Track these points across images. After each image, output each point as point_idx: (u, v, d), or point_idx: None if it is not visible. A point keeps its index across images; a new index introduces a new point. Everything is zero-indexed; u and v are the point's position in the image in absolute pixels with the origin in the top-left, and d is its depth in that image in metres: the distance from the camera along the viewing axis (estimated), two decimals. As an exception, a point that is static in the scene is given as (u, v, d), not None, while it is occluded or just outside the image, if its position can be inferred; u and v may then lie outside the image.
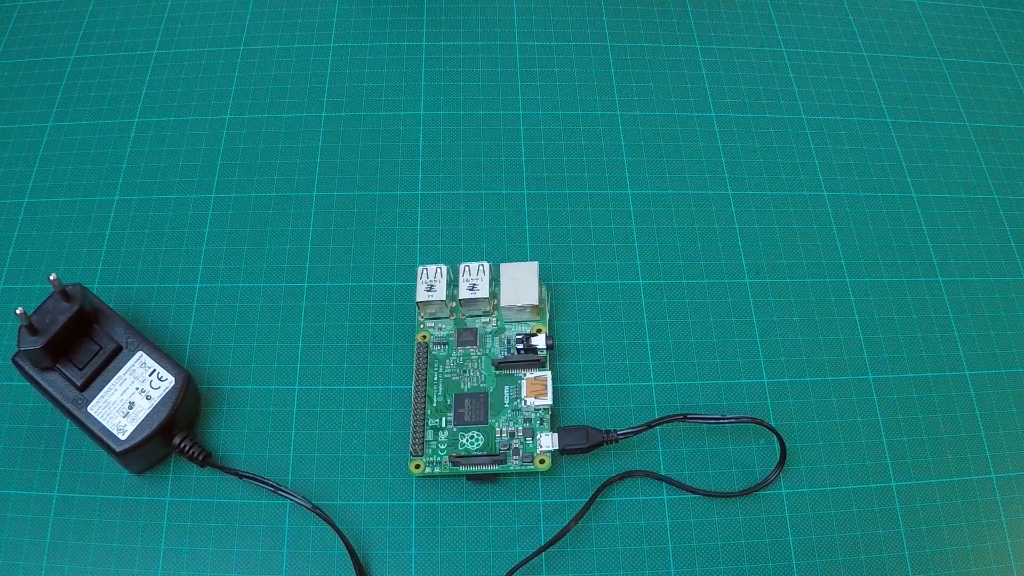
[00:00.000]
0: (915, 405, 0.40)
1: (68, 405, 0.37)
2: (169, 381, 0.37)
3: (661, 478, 0.38)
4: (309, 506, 0.37)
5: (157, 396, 0.37)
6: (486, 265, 0.40)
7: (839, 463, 0.39)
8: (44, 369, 0.37)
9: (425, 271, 0.40)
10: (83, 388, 0.37)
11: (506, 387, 0.39)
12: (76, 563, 0.37)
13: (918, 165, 0.47)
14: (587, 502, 0.37)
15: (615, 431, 0.37)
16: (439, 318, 0.41)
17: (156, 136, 0.47)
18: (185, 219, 0.45)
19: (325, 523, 0.37)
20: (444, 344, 0.40)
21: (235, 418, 0.40)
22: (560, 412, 0.40)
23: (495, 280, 0.41)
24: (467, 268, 0.40)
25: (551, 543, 0.36)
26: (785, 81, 0.50)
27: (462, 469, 0.37)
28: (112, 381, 0.37)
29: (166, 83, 0.49)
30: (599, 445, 0.37)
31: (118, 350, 0.38)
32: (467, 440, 0.38)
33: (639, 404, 0.40)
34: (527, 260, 0.43)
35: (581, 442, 0.37)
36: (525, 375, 0.39)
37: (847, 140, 0.48)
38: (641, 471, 0.38)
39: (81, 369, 0.37)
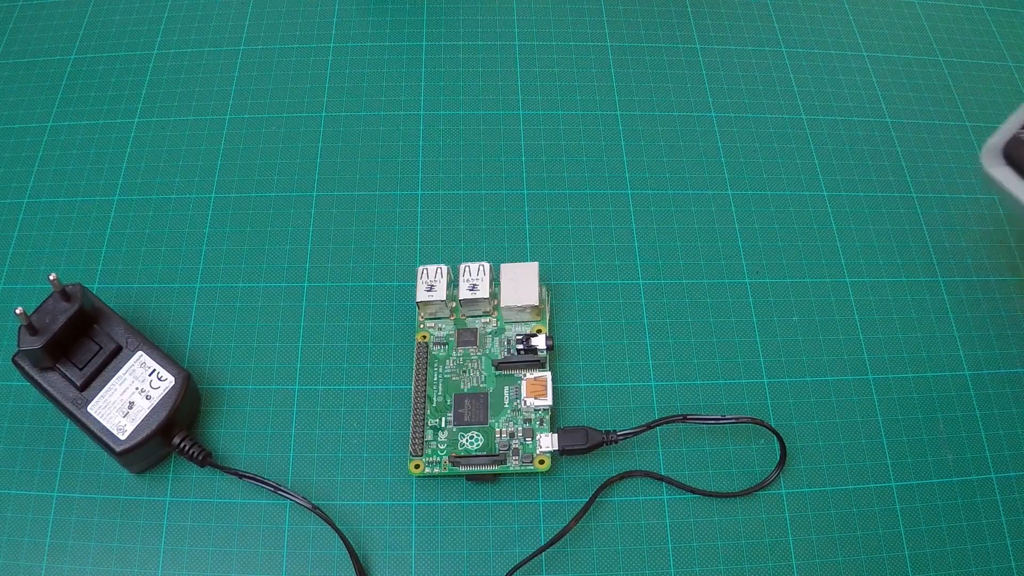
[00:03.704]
0: (915, 405, 0.40)
1: (68, 405, 0.37)
2: (169, 381, 0.37)
3: (661, 478, 0.38)
4: (309, 506, 0.37)
5: (157, 396, 0.37)
6: (486, 265, 0.40)
7: (839, 463, 0.39)
8: (44, 369, 0.37)
9: (425, 271, 0.40)
10: (83, 388, 0.37)
11: (506, 387, 0.39)
12: (76, 563, 0.37)
13: (918, 165, 0.47)
14: (587, 502, 0.37)
15: (615, 432, 0.37)
16: (439, 318, 0.41)
17: (156, 136, 0.47)
18: (185, 219, 0.45)
19: (325, 523, 0.37)
20: (444, 344, 0.40)
21: (235, 418, 0.40)
22: (560, 412, 0.40)
23: (495, 280, 0.41)
24: (467, 268, 0.40)
25: (551, 543, 0.36)
26: (785, 81, 0.50)
27: (462, 469, 0.37)
28: (112, 381, 0.37)
29: (166, 83, 0.49)
30: (599, 446, 0.37)
31: (118, 350, 0.38)
32: (467, 440, 0.38)
33: (639, 404, 0.40)
34: (527, 260, 0.43)
35: (581, 443, 0.37)
36: (525, 375, 0.39)
37: (847, 140, 0.48)
38: (641, 471, 0.38)
39: (81, 369, 0.37)
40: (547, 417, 0.38)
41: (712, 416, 0.38)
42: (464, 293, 0.40)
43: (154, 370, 0.38)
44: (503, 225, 0.44)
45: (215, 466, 0.37)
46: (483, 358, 0.40)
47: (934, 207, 0.46)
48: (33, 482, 0.38)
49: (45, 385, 0.37)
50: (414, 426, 0.38)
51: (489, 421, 0.38)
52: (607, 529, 0.37)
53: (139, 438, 0.36)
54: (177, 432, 0.37)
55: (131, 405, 0.37)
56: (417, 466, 0.37)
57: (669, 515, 0.37)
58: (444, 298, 0.40)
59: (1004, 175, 0.37)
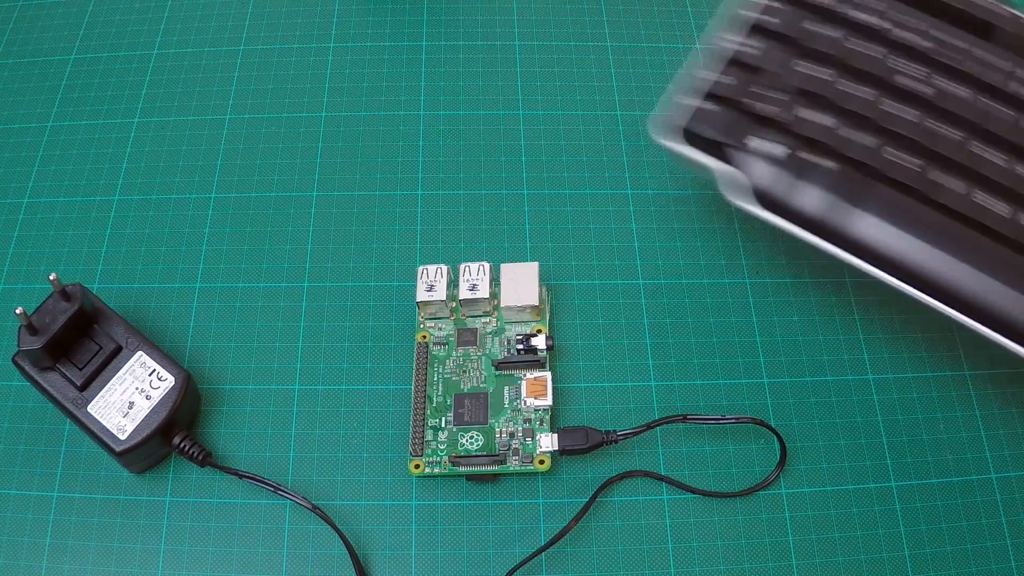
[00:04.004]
0: (915, 405, 0.40)
1: (68, 405, 0.37)
2: (169, 381, 0.37)
3: (661, 478, 0.38)
4: (309, 506, 0.37)
5: (157, 396, 0.37)
6: (486, 265, 0.40)
7: (839, 463, 0.39)
8: (44, 369, 0.37)
9: (425, 271, 0.40)
10: (83, 388, 0.37)
11: (506, 387, 0.39)
12: (76, 563, 0.37)
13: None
14: (587, 502, 0.37)
15: (615, 432, 0.37)
16: (439, 318, 0.41)
17: (156, 136, 0.47)
18: (185, 219, 0.45)
19: (325, 523, 0.37)
20: (444, 344, 0.40)
21: (235, 418, 0.40)
22: (560, 412, 0.40)
23: (495, 280, 0.41)
24: (467, 268, 0.40)
25: (551, 543, 0.36)
26: (785, 81, 0.50)
27: (462, 469, 0.37)
28: (112, 381, 0.37)
29: (166, 83, 0.49)
30: (599, 446, 0.37)
31: (118, 350, 0.38)
32: (467, 440, 0.38)
33: (639, 404, 0.40)
34: (527, 260, 0.43)
35: (581, 443, 0.37)
36: (525, 375, 0.39)
37: (847, 140, 0.48)
38: (641, 471, 0.38)
39: (81, 369, 0.37)
40: (547, 417, 0.38)
41: (712, 416, 0.38)
42: (464, 293, 0.40)
43: (154, 370, 0.38)
44: (503, 225, 0.44)
45: (215, 466, 0.37)
46: (483, 358, 0.40)
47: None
48: (33, 482, 0.38)
49: (45, 385, 0.37)
50: (414, 426, 0.38)
51: (489, 421, 0.38)
52: (607, 529, 0.37)
53: (139, 438, 0.36)
54: (177, 432, 0.37)
55: (131, 405, 0.37)
56: (417, 466, 0.37)
57: (669, 515, 0.37)
58: (444, 298, 0.40)
59: (688, 150, 0.37)
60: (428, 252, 0.44)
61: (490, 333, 0.40)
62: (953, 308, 0.34)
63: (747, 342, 0.41)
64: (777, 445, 0.38)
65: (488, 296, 0.40)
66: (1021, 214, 0.34)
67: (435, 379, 0.39)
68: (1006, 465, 0.39)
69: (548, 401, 0.38)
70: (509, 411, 0.38)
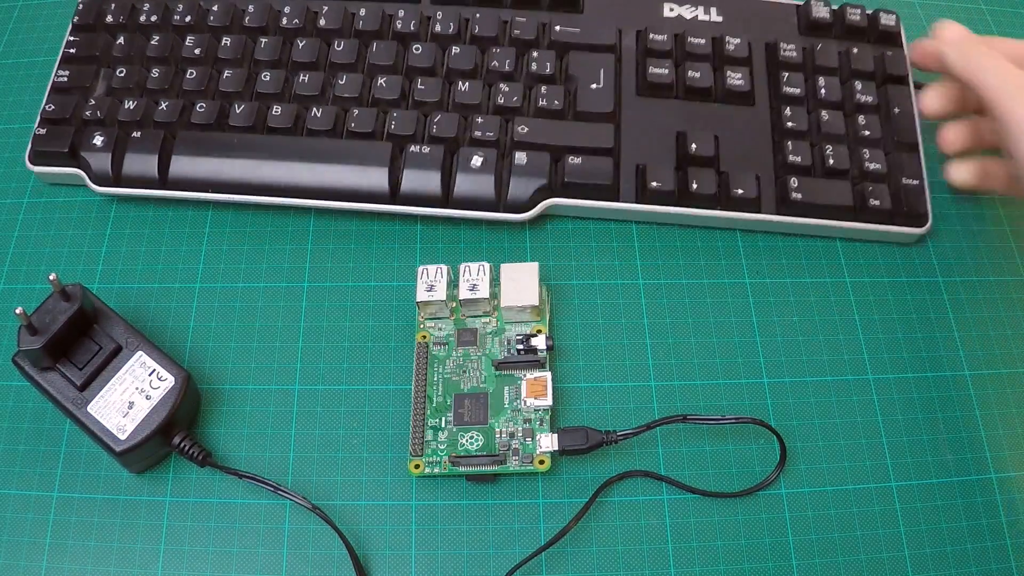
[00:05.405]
0: (915, 405, 0.40)
1: (68, 405, 0.37)
2: (169, 381, 0.37)
3: (661, 478, 0.38)
4: (309, 506, 0.37)
5: (157, 396, 0.37)
6: (486, 265, 0.40)
7: (839, 463, 0.39)
8: (44, 369, 0.37)
9: (425, 271, 0.40)
10: (83, 388, 0.37)
11: (506, 387, 0.39)
12: (76, 563, 0.37)
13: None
14: (587, 502, 0.37)
15: (615, 432, 0.37)
16: (439, 318, 0.41)
17: (156, 136, 0.47)
18: (185, 219, 0.45)
19: (325, 523, 0.37)
20: (444, 344, 0.40)
21: (235, 418, 0.40)
22: (560, 412, 0.40)
23: (495, 280, 0.41)
24: (467, 268, 0.40)
25: (551, 543, 0.36)
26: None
27: (462, 469, 0.37)
28: (112, 381, 0.37)
29: (166, 83, 0.49)
30: (599, 446, 0.37)
31: (118, 350, 0.38)
32: (467, 440, 0.38)
33: (639, 404, 0.40)
34: (527, 260, 0.43)
35: (581, 443, 0.37)
36: (525, 376, 0.39)
37: (847, 140, 0.48)
38: (641, 471, 0.38)
39: (81, 369, 0.37)
40: (547, 417, 0.38)
41: (712, 416, 0.38)
42: (464, 293, 0.40)
43: (154, 370, 0.38)
44: (503, 225, 0.44)
45: (215, 466, 0.37)
46: (483, 358, 0.40)
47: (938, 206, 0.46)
48: (33, 482, 0.38)
49: (45, 385, 0.37)
50: (414, 426, 0.38)
51: (489, 421, 0.38)
52: (607, 529, 0.37)
53: (139, 438, 0.36)
54: (177, 432, 0.37)
55: (131, 405, 0.37)
56: (417, 466, 0.37)
57: (669, 515, 0.37)
58: (444, 298, 0.40)
59: (45, 169, 0.44)
60: (428, 252, 0.44)
61: (490, 333, 0.40)
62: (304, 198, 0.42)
63: (747, 342, 0.41)
64: (777, 445, 0.38)
65: (488, 296, 0.40)
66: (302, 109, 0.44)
67: (435, 379, 0.39)
68: (1006, 465, 0.39)
69: (548, 401, 0.38)
70: (509, 411, 0.38)
